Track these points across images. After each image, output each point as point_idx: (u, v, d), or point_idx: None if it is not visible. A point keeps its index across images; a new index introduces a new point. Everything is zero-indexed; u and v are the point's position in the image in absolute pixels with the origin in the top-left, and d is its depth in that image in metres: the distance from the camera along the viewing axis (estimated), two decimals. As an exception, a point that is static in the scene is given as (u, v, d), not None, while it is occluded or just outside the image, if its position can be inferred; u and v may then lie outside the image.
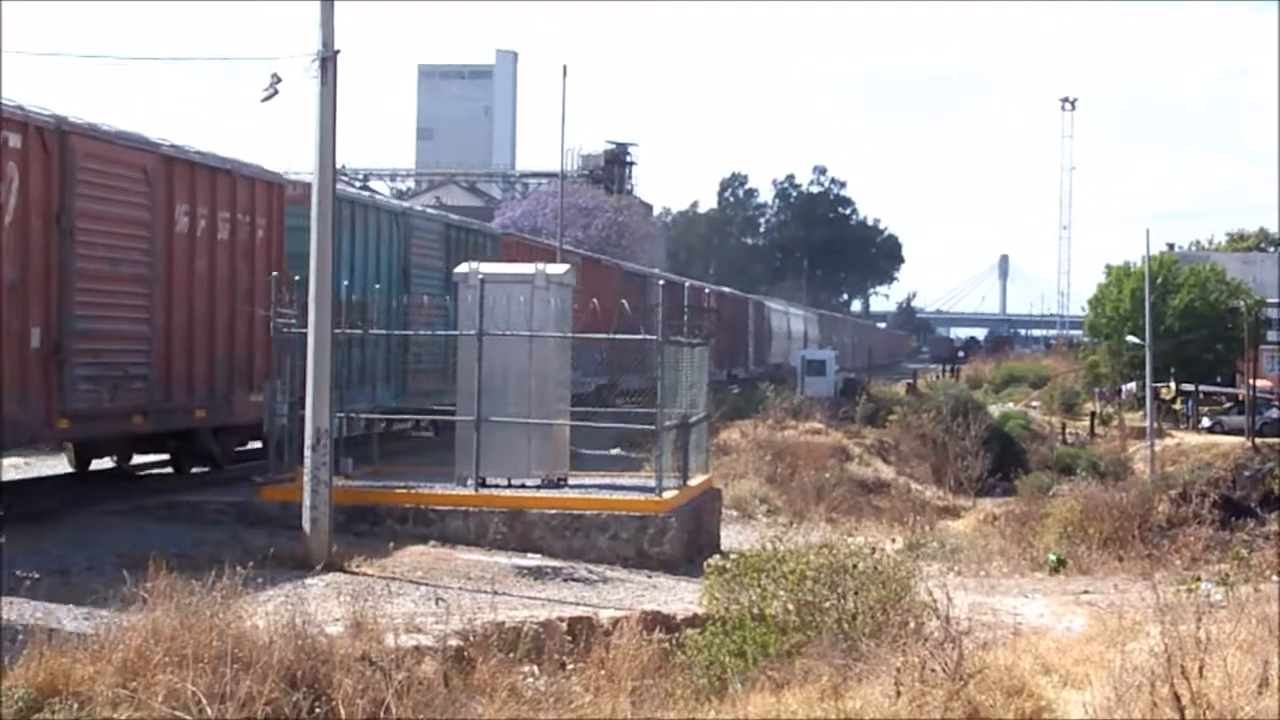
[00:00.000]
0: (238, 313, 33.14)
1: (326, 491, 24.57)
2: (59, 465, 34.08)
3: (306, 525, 24.40)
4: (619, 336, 37.84)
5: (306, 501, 24.57)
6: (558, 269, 31.50)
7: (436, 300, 34.93)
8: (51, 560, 16.35)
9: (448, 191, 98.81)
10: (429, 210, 36.24)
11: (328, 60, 24.54)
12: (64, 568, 16.49)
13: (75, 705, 14.00)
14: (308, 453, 24.75)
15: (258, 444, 34.87)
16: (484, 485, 27.70)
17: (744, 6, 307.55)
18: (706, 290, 69.46)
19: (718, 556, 21.66)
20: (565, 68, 67.02)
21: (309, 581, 21.52)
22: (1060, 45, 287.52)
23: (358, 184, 66.58)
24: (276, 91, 24.16)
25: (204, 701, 12.17)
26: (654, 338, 30.22)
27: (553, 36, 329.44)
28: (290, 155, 31.63)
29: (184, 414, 31.12)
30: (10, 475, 31.02)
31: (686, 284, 65.73)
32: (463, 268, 30.03)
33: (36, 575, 15.45)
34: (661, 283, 34.11)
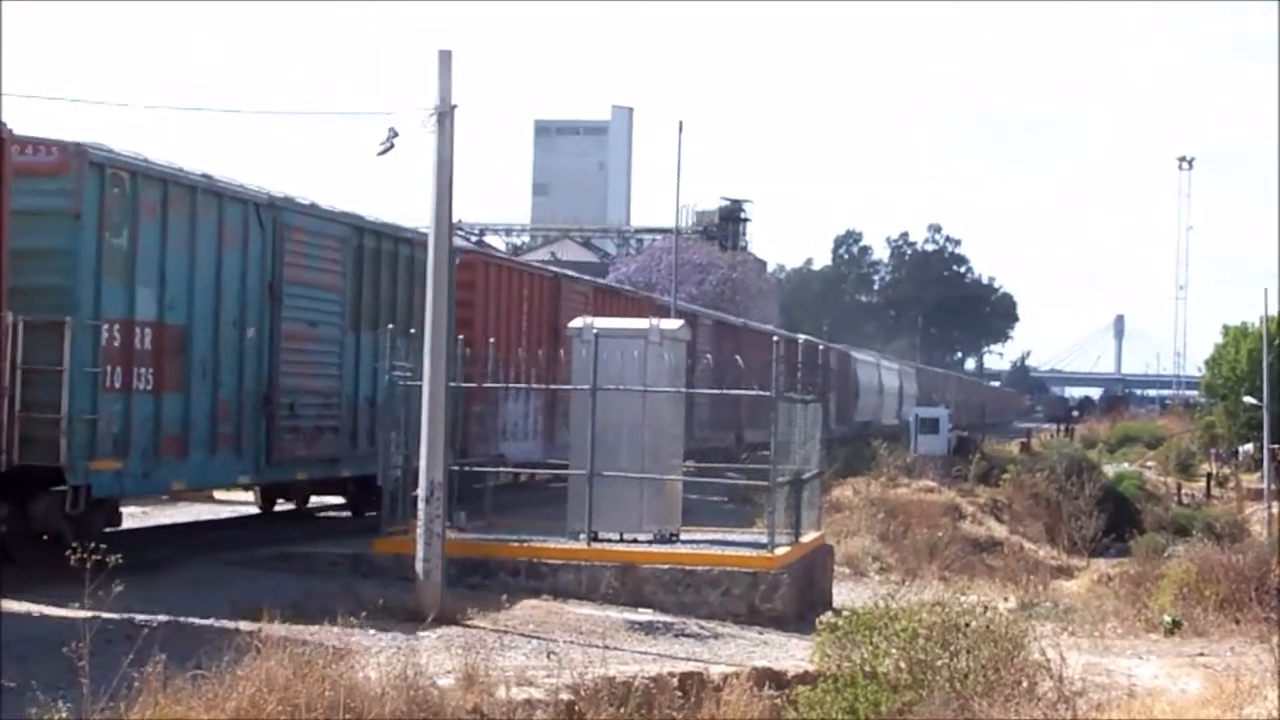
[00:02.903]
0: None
1: (439, 544, 24.45)
2: (176, 515, 34.63)
3: (419, 577, 24.28)
4: (733, 392, 37.68)
5: (419, 554, 24.48)
6: (672, 324, 31.31)
7: (329, 331, 31.71)
8: (167, 608, 16.15)
9: (563, 247, 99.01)
10: (318, 204, 31.04)
11: (444, 115, 24.39)
12: (182, 611, 16.31)
13: (189, 759, 13.82)
14: (421, 505, 24.55)
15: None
16: (596, 539, 27.49)
17: (857, 61, 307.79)
18: (770, 333, 68.13)
19: (830, 614, 21.44)
20: (681, 124, 67.01)
21: (421, 633, 21.32)
22: (1178, 100, 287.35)
23: (474, 238, 66.13)
24: (393, 145, 24.00)
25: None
26: (769, 393, 29.89)
27: (669, 93, 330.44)
28: (406, 208, 31.82)
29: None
30: (129, 524, 31.02)
31: (787, 339, 64.97)
32: (577, 321, 29.91)
33: (158, 622, 15.27)
34: (776, 339, 33.95)
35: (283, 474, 31.10)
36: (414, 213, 30.17)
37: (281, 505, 35.74)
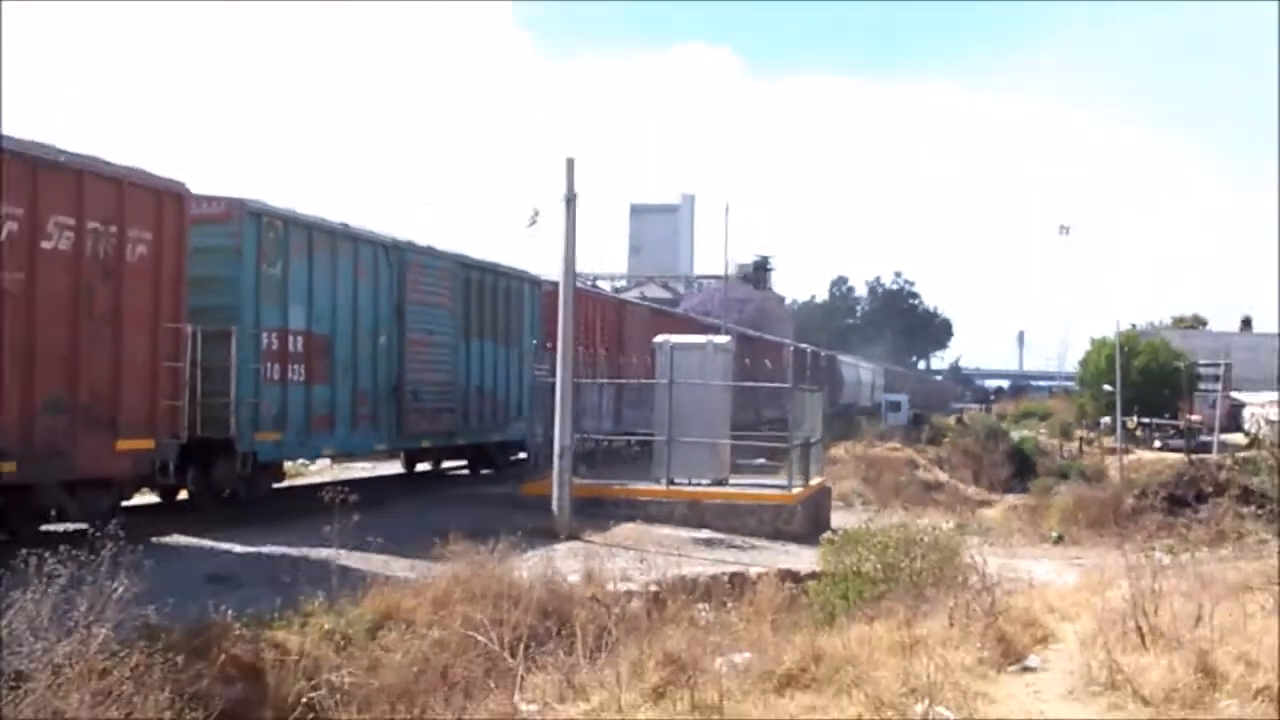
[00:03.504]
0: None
1: (568, 487, 25.11)
2: (394, 467, 34.88)
3: (555, 509, 24.91)
4: (766, 385, 38.06)
5: (555, 493, 25.07)
6: (722, 340, 31.67)
7: (444, 339, 30.70)
8: (389, 531, 16.74)
9: (648, 288, 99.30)
10: (434, 247, 30.58)
11: (570, 200, 25.08)
12: (396, 536, 16.88)
13: (404, 626, 14.39)
14: (556, 460, 25.22)
15: (524, 454, 35.10)
16: (672, 483, 27.81)
17: (845, 156, 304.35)
18: (784, 345, 68.31)
19: (829, 533, 21.84)
20: (727, 206, 67.40)
21: (556, 547, 21.72)
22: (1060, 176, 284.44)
23: (589, 283, 66.02)
24: (536, 221, 24.84)
25: (487, 625, 12.51)
26: (788, 385, 30.43)
27: (720, 179, 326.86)
28: (542, 263, 31.54)
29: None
30: (360, 475, 31.74)
31: (796, 348, 64.95)
32: (660, 338, 30.29)
33: (380, 540, 15.81)
34: (794, 348, 34.11)
35: (411, 443, 30.85)
36: (550, 267, 30.39)
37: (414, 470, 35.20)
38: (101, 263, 17.22)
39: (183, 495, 23.98)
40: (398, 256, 27.80)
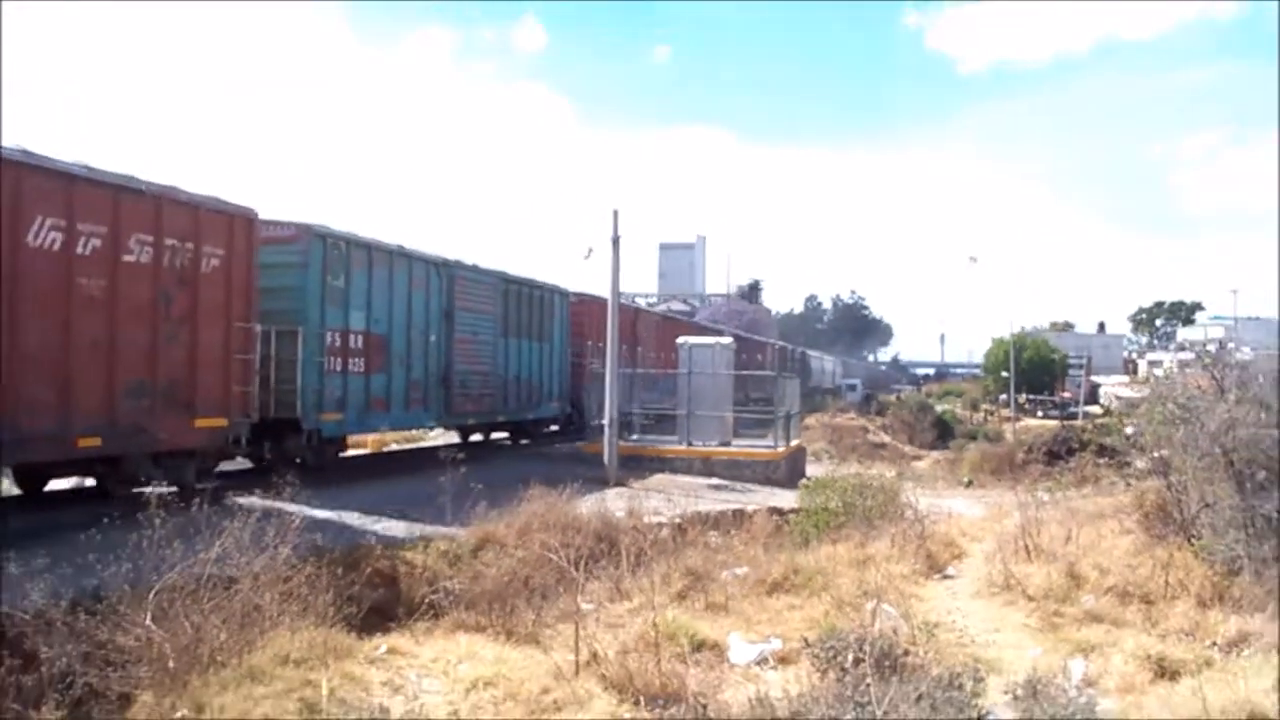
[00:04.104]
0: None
1: (615, 447, 25.16)
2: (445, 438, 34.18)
3: (606, 463, 24.94)
4: (758, 373, 38.08)
5: (606, 451, 25.11)
6: (726, 340, 31.73)
7: (486, 338, 29.06)
8: (488, 478, 16.75)
9: (672, 304, 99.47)
10: (479, 265, 29.06)
11: (616, 240, 25.18)
12: (492, 482, 16.88)
13: (497, 548, 14.47)
14: (607, 428, 25.29)
15: (554, 427, 35.52)
16: (690, 444, 27.75)
17: (817, 197, 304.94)
18: (763, 342, 68.61)
19: (805, 480, 21.83)
20: (730, 244, 67.39)
21: (607, 492, 21.71)
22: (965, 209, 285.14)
23: (629, 299, 65.63)
24: (589, 255, 25.00)
25: (558, 548, 12.57)
26: (773, 373, 30.42)
27: (725, 223, 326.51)
28: (591, 286, 31.69)
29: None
30: (441, 440, 31.74)
31: (779, 346, 64.89)
32: (680, 339, 30.35)
33: (481, 486, 15.80)
34: (778, 346, 33.97)
35: (457, 420, 29.09)
36: (600, 289, 30.46)
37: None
38: (178, 273, 16.71)
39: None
40: (446, 272, 26.56)
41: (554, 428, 35.80)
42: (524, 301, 31.47)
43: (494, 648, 9.91)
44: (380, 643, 9.74)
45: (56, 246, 14.44)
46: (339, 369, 22.14)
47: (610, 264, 25.50)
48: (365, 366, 23.03)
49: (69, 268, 14.65)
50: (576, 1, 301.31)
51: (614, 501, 19.57)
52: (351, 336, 22.54)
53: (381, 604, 12.04)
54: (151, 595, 8.68)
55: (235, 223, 18.13)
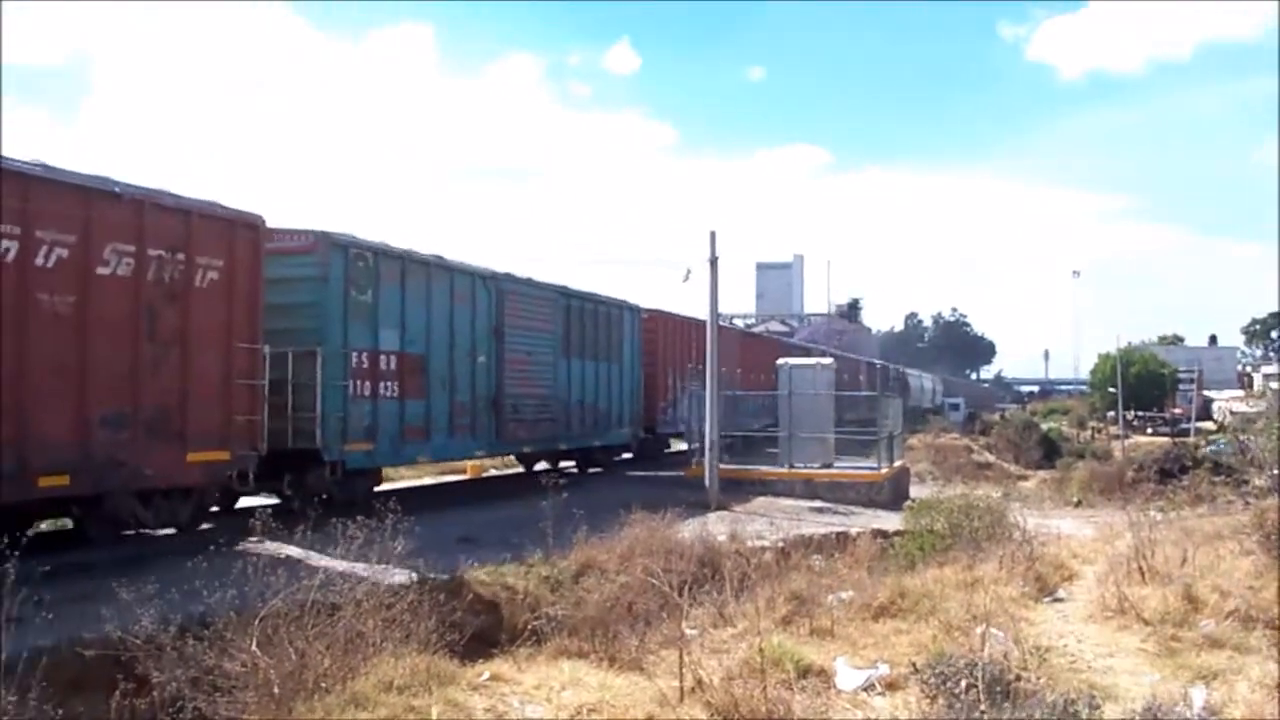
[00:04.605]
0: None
1: (717, 470, 25.02)
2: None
3: (707, 486, 24.79)
4: (859, 394, 37.76)
5: (707, 475, 25.01)
6: (826, 361, 31.60)
7: (543, 358, 27.20)
8: (587, 504, 16.72)
9: (770, 324, 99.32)
10: (533, 278, 27.02)
11: (713, 261, 25.12)
12: (593, 508, 16.84)
13: (599, 573, 14.41)
14: (706, 451, 25.20)
15: (628, 455, 34.06)
16: (792, 467, 27.53)
17: (913, 217, 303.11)
18: (862, 361, 67.63)
19: (909, 501, 21.61)
20: (829, 262, 67.15)
21: (708, 515, 21.64)
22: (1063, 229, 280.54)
23: (728, 320, 65.32)
24: (689, 277, 24.88)
25: (660, 573, 12.48)
26: (876, 393, 30.16)
27: (823, 242, 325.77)
28: (691, 309, 31.35)
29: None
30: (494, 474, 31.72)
31: (879, 365, 64.35)
32: (780, 361, 30.27)
33: (582, 512, 15.76)
34: (878, 365, 33.73)
35: (510, 448, 27.45)
36: (699, 310, 30.27)
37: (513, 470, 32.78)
38: (166, 287, 14.93)
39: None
40: (495, 285, 24.73)
41: (626, 455, 34.06)
42: (588, 318, 29.87)
43: (597, 674, 9.83)
44: (483, 669, 9.70)
45: (9, 257, 12.75)
46: (367, 393, 20.31)
47: (708, 285, 25.44)
48: (400, 390, 21.22)
49: (23, 281, 12.90)
50: (666, 24, 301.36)
51: (716, 525, 19.47)
52: (382, 357, 20.75)
53: (484, 630, 12.03)
54: (257, 621, 8.73)
55: (237, 230, 16.44)
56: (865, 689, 9.80)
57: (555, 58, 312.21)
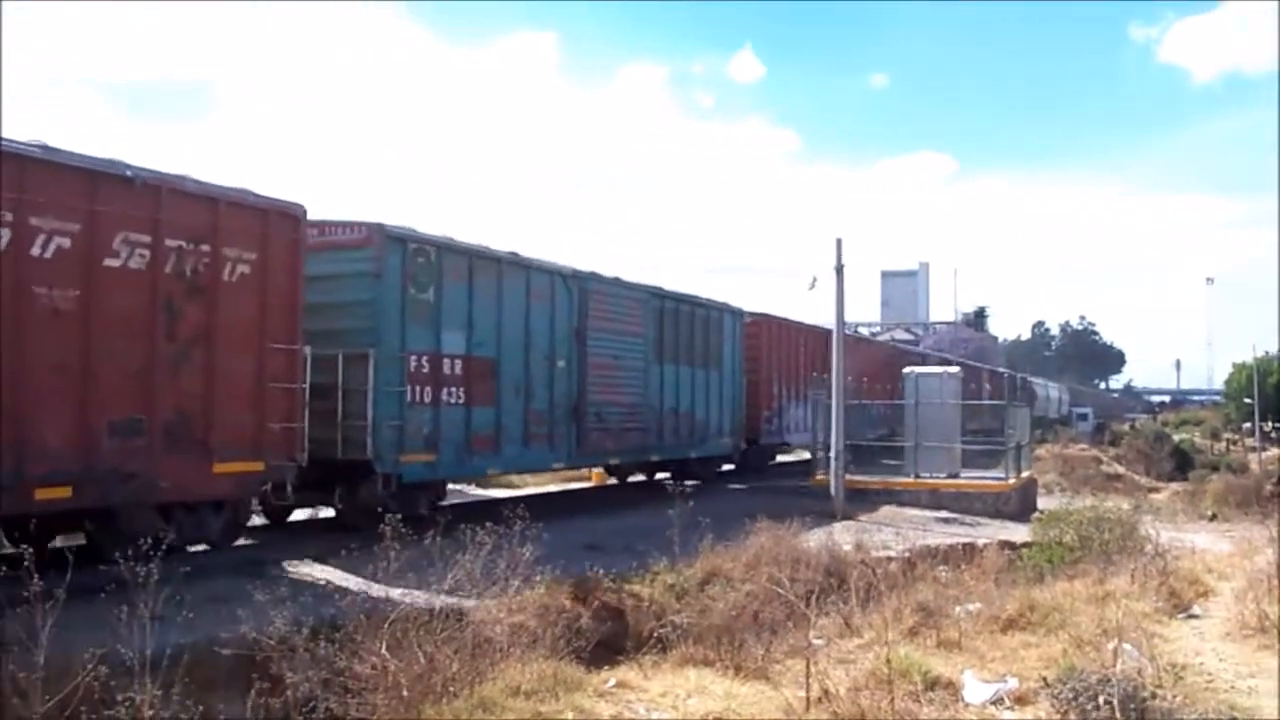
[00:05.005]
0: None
1: (843, 480, 24.74)
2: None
3: (833, 496, 24.55)
4: (988, 402, 37.20)
5: (832, 484, 24.75)
6: (953, 370, 31.05)
7: (632, 363, 25.15)
8: (710, 513, 16.61)
9: (895, 332, 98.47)
10: (621, 277, 25.00)
11: (839, 269, 24.89)
12: (717, 516, 16.75)
13: (724, 581, 14.36)
14: (833, 460, 24.99)
15: (729, 467, 32.32)
16: (918, 476, 27.15)
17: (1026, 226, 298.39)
18: (984, 369, 66.17)
19: (1037, 512, 21.27)
20: (956, 270, 66.33)
21: (834, 525, 21.47)
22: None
23: (852, 329, 64.40)
24: (814, 285, 24.72)
25: (785, 582, 12.41)
26: (1004, 402, 29.72)
27: (948, 249, 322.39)
28: (817, 317, 30.96)
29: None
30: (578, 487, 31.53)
31: (1005, 374, 63.27)
32: (907, 369, 29.88)
33: (707, 520, 15.68)
34: (1005, 374, 33.18)
35: (593, 460, 25.90)
36: (824, 319, 29.95)
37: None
38: (188, 282, 13.53)
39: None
40: (577, 285, 22.90)
41: (727, 467, 32.34)
42: (683, 321, 27.91)
43: (723, 682, 9.80)
44: (609, 676, 9.72)
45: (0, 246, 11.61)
46: (427, 400, 18.58)
47: (834, 293, 25.25)
48: (466, 397, 19.44)
49: (18, 274, 11.73)
50: (790, 31, 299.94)
51: (841, 535, 19.36)
52: (445, 361, 18.99)
53: (610, 638, 12.06)
54: (386, 625, 8.85)
55: (272, 221, 14.94)
56: (994, 703, 9.63)
57: (679, 66, 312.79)
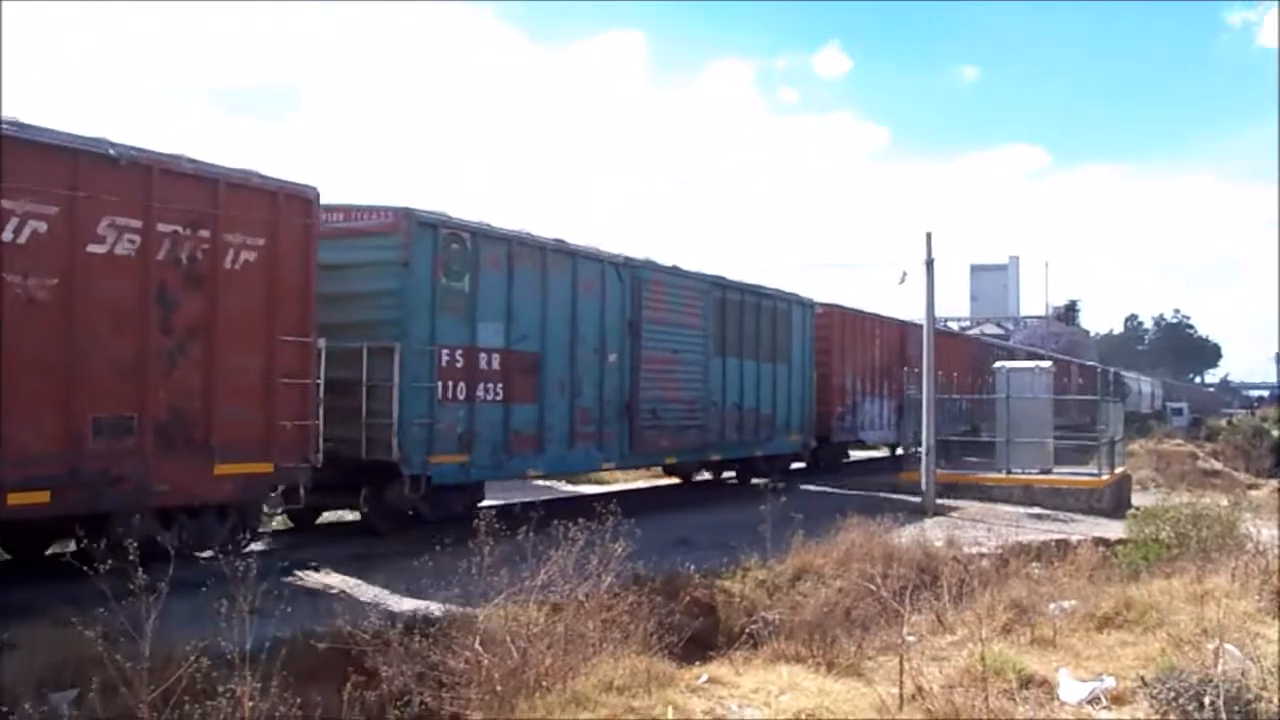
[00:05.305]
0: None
1: (933, 475, 24.57)
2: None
3: (924, 492, 24.43)
4: (1080, 397, 36.70)
5: (923, 481, 24.62)
6: (1045, 365, 30.71)
7: (691, 356, 23.48)
8: (799, 509, 16.54)
9: (985, 327, 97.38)
10: (678, 266, 23.36)
11: (929, 263, 24.72)
12: (807, 512, 16.67)
13: (815, 578, 14.34)
14: (924, 456, 24.83)
15: (799, 465, 30.69)
16: (1010, 472, 26.93)
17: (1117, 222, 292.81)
18: (1074, 364, 64.86)
19: (1131, 509, 20.95)
20: (1047, 263, 65.36)
21: (925, 521, 21.32)
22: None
23: (943, 324, 63.61)
24: (904, 279, 24.48)
25: (877, 579, 12.34)
26: (1097, 397, 29.30)
27: (1040, 243, 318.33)
28: (907, 313, 30.70)
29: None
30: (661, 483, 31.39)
31: (1099, 369, 62.34)
32: (998, 364, 29.66)
33: (800, 516, 15.62)
34: (1098, 369, 32.75)
35: (647, 460, 24.43)
36: (915, 314, 29.72)
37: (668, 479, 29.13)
38: (185, 269, 12.50)
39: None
40: (630, 274, 21.43)
41: (798, 465, 30.71)
42: (747, 313, 26.14)
43: (815, 679, 9.73)
44: (701, 671, 9.70)
45: (-41, 230, 10.53)
46: (462, 397, 17.30)
47: (925, 287, 25.05)
48: (505, 394, 18.14)
49: None
50: (877, 26, 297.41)
51: (932, 531, 19.22)
52: (482, 355, 17.70)
53: (701, 633, 12.04)
54: (480, 620, 8.90)
55: (281, 204, 13.77)
56: (1090, 702, 9.49)
57: (764, 62, 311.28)
